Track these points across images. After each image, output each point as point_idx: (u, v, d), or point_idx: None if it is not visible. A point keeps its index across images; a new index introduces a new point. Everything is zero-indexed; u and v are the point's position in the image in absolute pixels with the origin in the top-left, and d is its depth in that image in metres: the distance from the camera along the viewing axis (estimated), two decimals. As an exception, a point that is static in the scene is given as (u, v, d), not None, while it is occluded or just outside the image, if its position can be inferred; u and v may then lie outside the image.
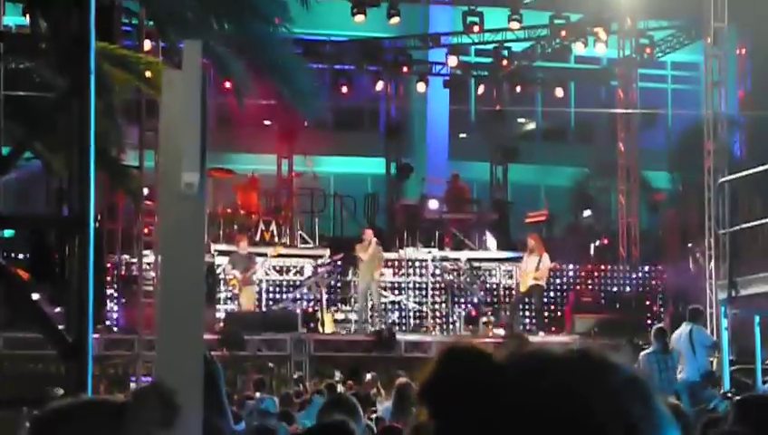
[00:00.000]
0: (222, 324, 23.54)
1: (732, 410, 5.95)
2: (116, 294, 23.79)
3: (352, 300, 25.49)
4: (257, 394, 17.12)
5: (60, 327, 6.30)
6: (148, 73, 15.27)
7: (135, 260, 22.27)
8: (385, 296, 25.61)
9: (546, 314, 25.82)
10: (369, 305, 24.93)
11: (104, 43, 13.75)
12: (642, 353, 17.91)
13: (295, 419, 13.83)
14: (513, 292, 26.11)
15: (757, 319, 15.04)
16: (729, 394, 15.15)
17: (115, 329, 23.05)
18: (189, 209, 2.57)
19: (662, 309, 26.53)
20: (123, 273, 23.62)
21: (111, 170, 16.16)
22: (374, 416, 13.56)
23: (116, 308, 23.73)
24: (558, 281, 26.50)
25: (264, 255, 25.20)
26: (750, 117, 30.36)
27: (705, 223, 23.22)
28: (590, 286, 26.56)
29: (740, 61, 32.98)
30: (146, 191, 20.56)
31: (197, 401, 2.58)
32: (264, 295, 25.16)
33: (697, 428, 6.38)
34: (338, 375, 21.30)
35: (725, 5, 23.81)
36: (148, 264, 21.21)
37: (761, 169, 16.30)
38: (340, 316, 25.29)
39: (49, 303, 15.44)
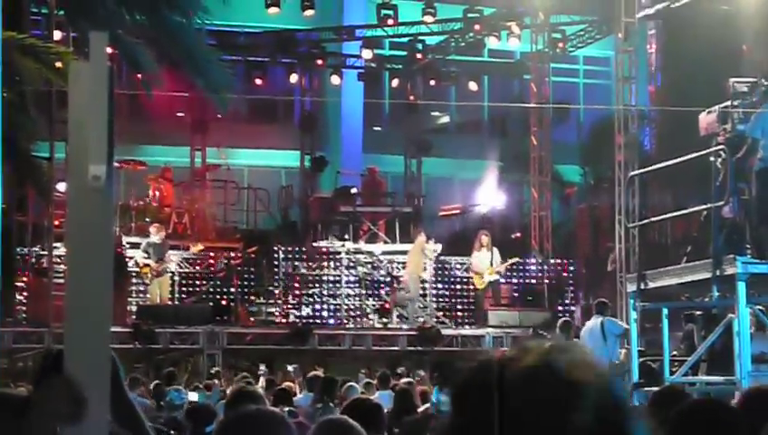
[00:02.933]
0: (134, 317, 23.32)
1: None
2: (26, 287, 23.45)
3: (266, 293, 25.42)
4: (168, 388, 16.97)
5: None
6: (58, 64, 15.07)
7: (45, 252, 22.00)
8: (308, 288, 25.70)
9: (459, 307, 25.94)
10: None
11: (13, 31, 13.56)
12: None
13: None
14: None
15: (665, 311, 15.24)
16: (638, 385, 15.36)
17: (24, 322, 22.73)
18: (97, 202, 2.55)
19: (573, 302, 26.82)
20: (33, 265, 23.31)
21: (20, 162, 15.93)
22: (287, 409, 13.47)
23: (25, 301, 23.39)
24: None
25: (178, 247, 24.99)
26: (660, 112, 30.77)
27: (616, 216, 23.52)
28: (503, 279, 26.67)
29: (650, 56, 33.44)
30: (62, 184, 20.18)
31: (105, 395, 2.56)
32: (176, 288, 24.94)
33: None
34: (262, 368, 21.18)
35: (636, 2, 24.14)
36: (59, 256, 20.94)
37: (670, 162, 16.52)
38: (253, 308, 25.23)
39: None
